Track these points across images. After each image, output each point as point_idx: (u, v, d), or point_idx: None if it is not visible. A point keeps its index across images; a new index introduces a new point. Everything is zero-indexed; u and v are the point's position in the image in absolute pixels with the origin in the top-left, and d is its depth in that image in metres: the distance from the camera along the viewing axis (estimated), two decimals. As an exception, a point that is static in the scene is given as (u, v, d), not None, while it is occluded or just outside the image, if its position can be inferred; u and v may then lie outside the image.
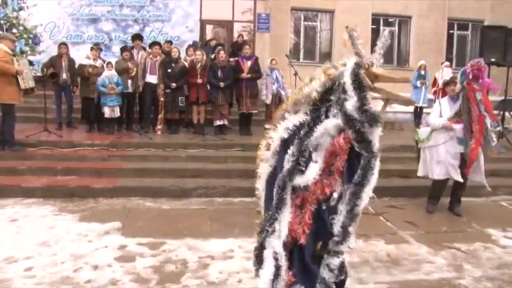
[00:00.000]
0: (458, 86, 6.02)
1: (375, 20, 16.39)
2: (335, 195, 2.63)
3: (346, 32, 2.50)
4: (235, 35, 15.15)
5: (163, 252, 4.68)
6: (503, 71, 11.02)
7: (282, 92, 9.91)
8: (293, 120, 2.79)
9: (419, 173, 6.63)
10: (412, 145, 7.33)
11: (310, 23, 16.42)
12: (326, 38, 16.45)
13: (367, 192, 2.58)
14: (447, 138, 6.12)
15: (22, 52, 13.34)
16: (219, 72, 9.60)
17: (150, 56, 10.12)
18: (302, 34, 16.31)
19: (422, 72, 12.38)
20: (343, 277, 2.78)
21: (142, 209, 6.33)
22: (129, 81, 9.85)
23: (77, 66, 10.11)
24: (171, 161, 8.11)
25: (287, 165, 2.70)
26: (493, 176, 7.94)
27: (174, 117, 9.93)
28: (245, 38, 13.99)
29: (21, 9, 14.56)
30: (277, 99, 9.95)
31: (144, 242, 4.90)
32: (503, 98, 11.40)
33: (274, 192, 2.73)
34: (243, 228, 5.37)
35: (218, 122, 9.81)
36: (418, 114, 12.41)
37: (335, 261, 2.62)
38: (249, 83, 9.85)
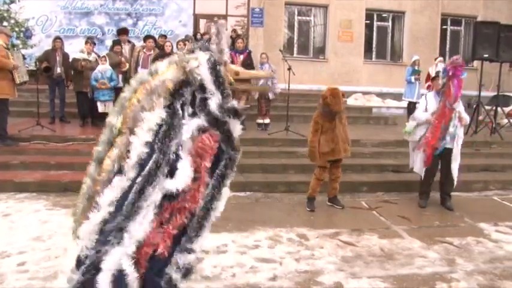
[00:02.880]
0: (440, 82, 6.12)
1: (369, 15, 16.41)
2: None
3: (215, 26, 2.42)
4: (229, 30, 15.12)
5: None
6: (496, 67, 11.07)
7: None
8: (154, 118, 2.34)
9: (410, 165, 6.74)
10: (405, 140, 7.37)
11: (304, 18, 16.40)
12: (320, 33, 16.44)
13: (227, 187, 2.45)
14: None
15: (13, 46, 13.25)
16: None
17: (144, 49, 10.07)
18: (296, 29, 16.29)
19: (417, 68, 12.40)
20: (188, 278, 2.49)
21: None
22: (120, 76, 9.81)
23: (70, 60, 10.04)
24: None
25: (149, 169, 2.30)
26: (485, 171, 8.01)
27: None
28: (238, 32, 13.95)
29: (12, 2, 14.46)
30: (266, 95, 9.92)
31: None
32: (495, 93, 11.47)
33: (127, 201, 2.27)
34: (236, 223, 5.39)
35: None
36: (411, 109, 12.43)
37: (185, 259, 2.38)
38: (241, 77, 9.80)
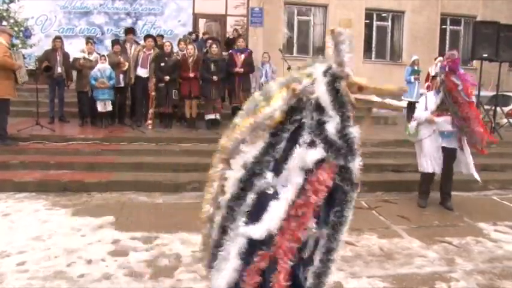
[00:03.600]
0: (438, 79, 6.14)
1: (368, 14, 16.40)
2: (310, 241, 2.11)
3: (332, 36, 1.99)
4: (228, 29, 15.12)
5: (156, 246, 4.68)
6: (496, 66, 11.08)
7: None
8: (252, 152, 2.11)
9: (420, 168, 6.68)
10: (404, 140, 7.38)
11: (303, 18, 16.39)
12: (319, 32, 16.43)
13: (344, 232, 2.12)
14: (431, 131, 6.21)
15: (13, 45, 13.24)
16: (212, 66, 9.57)
17: (144, 49, 10.07)
18: (295, 28, 16.29)
19: (416, 68, 12.40)
20: None
21: (136, 203, 6.32)
22: (121, 76, 9.81)
23: (71, 60, 10.03)
24: (165, 155, 8.10)
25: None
26: (484, 170, 8.00)
27: (167, 111, 9.89)
28: (240, 32, 13.94)
29: (11, 1, 14.44)
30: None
31: (138, 236, 4.90)
32: (494, 93, 11.47)
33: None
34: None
35: (210, 116, 9.79)
36: (411, 109, 12.43)
37: None
38: (242, 77, 9.85)
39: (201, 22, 15.73)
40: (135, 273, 4.06)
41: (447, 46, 17.13)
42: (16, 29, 14.35)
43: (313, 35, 16.43)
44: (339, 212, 2.05)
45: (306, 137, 2.03)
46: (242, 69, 9.76)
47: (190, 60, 9.65)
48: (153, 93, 9.66)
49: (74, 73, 10.13)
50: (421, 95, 11.50)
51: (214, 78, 9.47)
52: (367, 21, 16.42)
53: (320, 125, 2.00)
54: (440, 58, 12.83)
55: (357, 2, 15.92)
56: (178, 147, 8.38)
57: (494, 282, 4.14)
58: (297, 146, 2.03)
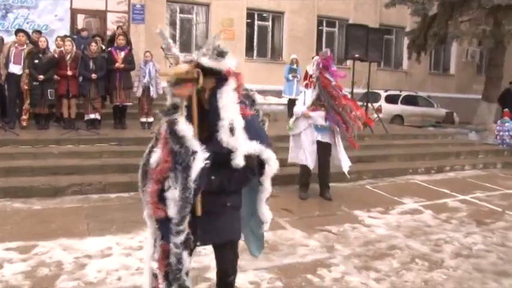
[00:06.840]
0: (314, 76, 6.57)
1: (250, 14, 16.82)
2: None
3: (158, 32, 2.66)
4: (110, 25, 14.58)
5: (35, 256, 4.40)
6: (366, 66, 11.96)
7: (151, 87, 9.75)
8: None
9: (289, 160, 6.99)
10: (285, 135, 7.68)
11: (186, 16, 16.36)
12: (202, 30, 16.52)
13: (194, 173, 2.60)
14: (306, 125, 6.64)
15: None
16: (91, 64, 9.20)
17: (16, 44, 9.34)
18: (178, 26, 16.20)
19: (294, 66, 12.95)
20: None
21: (10, 211, 5.88)
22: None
23: None
24: (42, 158, 7.62)
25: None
26: (358, 162, 8.62)
27: (43, 112, 9.30)
28: (124, 29, 13.46)
29: None
30: (148, 93, 9.80)
31: (13, 247, 4.56)
32: (366, 90, 12.39)
33: None
34: (120, 225, 5.26)
35: (90, 116, 9.41)
36: (291, 106, 12.96)
37: (177, 240, 2.60)
38: (123, 75, 9.59)
39: (80, 18, 14.95)
40: (12, 287, 3.79)
41: (323, 46, 18.11)
42: None
43: (195, 33, 16.46)
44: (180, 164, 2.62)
45: None
46: (123, 65, 9.50)
47: (67, 57, 9.17)
48: (26, 87, 9.00)
49: None
50: (301, 92, 12.12)
51: (93, 76, 9.12)
52: (249, 20, 16.84)
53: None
54: (317, 57, 13.58)
55: (238, 1, 16.23)
56: (57, 149, 7.93)
57: (369, 264, 4.50)
58: None
